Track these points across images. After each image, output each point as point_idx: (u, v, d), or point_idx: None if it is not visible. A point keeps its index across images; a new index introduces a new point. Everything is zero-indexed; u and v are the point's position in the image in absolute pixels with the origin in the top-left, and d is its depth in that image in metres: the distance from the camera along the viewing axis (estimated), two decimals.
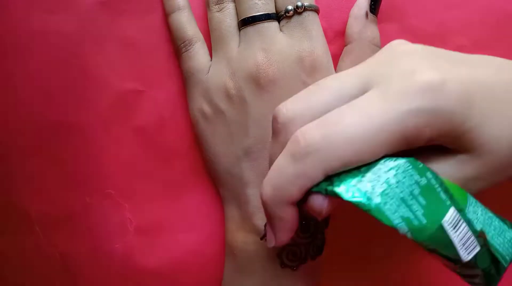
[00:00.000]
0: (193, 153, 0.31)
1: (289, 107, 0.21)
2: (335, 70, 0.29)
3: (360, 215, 0.30)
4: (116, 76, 0.31)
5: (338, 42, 0.30)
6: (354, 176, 0.19)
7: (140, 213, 0.31)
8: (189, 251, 0.31)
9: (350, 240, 0.31)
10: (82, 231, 0.31)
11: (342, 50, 0.29)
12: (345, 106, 0.20)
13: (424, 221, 0.18)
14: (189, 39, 0.30)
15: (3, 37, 0.30)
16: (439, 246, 0.19)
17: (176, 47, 0.30)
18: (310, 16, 0.28)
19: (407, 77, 0.19)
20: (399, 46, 0.22)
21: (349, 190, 0.18)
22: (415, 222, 0.18)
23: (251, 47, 0.28)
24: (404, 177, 0.19)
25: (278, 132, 0.22)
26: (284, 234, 0.21)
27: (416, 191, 0.19)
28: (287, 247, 0.27)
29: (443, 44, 0.26)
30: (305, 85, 0.27)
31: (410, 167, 0.19)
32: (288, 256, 0.27)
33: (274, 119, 0.22)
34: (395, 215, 0.18)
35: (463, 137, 0.20)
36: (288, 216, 0.20)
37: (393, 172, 0.19)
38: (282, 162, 0.20)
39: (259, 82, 0.27)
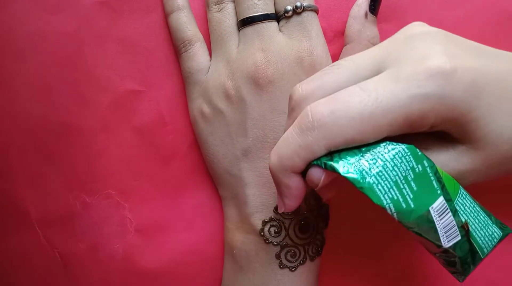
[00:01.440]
0: (193, 153, 0.31)
1: (303, 87, 0.22)
2: None
3: (359, 217, 0.30)
4: (116, 76, 0.31)
5: (338, 42, 0.30)
6: (354, 154, 0.20)
7: (140, 213, 0.31)
8: (189, 251, 0.31)
9: (349, 241, 0.31)
10: (82, 231, 0.31)
11: (342, 50, 0.29)
12: (355, 86, 0.20)
13: (412, 205, 0.19)
14: (189, 39, 0.30)
15: (3, 37, 0.31)
16: (422, 230, 0.20)
17: (176, 47, 0.31)
18: (309, 16, 0.28)
19: (419, 62, 0.19)
20: (415, 28, 0.22)
21: (346, 166, 0.19)
22: (403, 205, 0.19)
23: (250, 47, 0.28)
24: (401, 162, 0.19)
25: (292, 110, 0.22)
26: (292, 201, 0.22)
27: (410, 177, 0.19)
28: (286, 247, 0.27)
29: None
30: None
31: (409, 153, 0.20)
32: (287, 256, 0.27)
33: (290, 98, 0.23)
34: (385, 196, 0.19)
35: (465, 127, 0.20)
36: (294, 184, 0.21)
37: (391, 156, 0.19)
38: (290, 134, 0.21)
39: (258, 82, 0.27)
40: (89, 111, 0.31)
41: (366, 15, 0.28)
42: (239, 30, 0.29)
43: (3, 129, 0.31)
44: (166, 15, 0.31)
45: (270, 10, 0.28)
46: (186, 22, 0.30)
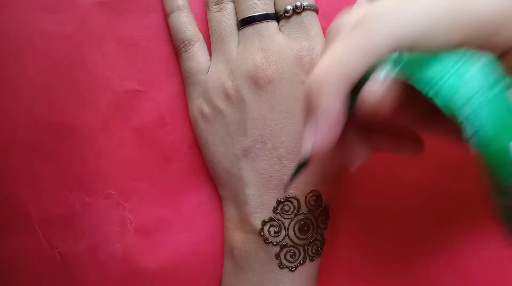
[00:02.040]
0: (193, 153, 0.31)
1: (348, 13, 0.20)
2: None
3: (359, 217, 0.30)
4: (116, 76, 0.31)
5: None
6: (430, 63, 0.15)
7: (140, 213, 0.31)
8: (189, 251, 0.31)
9: (349, 241, 0.31)
10: (82, 231, 0.31)
11: None
12: None
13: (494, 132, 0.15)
14: (189, 39, 0.30)
15: (3, 37, 0.31)
16: (499, 166, 0.15)
17: (176, 47, 0.31)
18: (309, 16, 0.28)
19: None
20: None
21: (420, 75, 0.15)
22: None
23: (250, 47, 0.28)
24: (489, 75, 0.15)
25: (333, 38, 0.19)
26: (327, 132, 0.17)
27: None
28: (286, 247, 0.27)
29: None
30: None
31: (498, 68, 0.15)
32: (287, 257, 0.27)
33: (328, 31, 0.21)
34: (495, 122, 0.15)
35: None
36: (336, 107, 0.17)
37: (477, 68, 0.15)
38: (341, 38, 0.17)
39: (258, 82, 0.27)
40: (89, 111, 0.31)
41: None
42: (239, 30, 0.29)
43: (3, 129, 0.31)
44: (166, 15, 0.31)
45: (270, 10, 0.28)
46: (186, 22, 0.30)
